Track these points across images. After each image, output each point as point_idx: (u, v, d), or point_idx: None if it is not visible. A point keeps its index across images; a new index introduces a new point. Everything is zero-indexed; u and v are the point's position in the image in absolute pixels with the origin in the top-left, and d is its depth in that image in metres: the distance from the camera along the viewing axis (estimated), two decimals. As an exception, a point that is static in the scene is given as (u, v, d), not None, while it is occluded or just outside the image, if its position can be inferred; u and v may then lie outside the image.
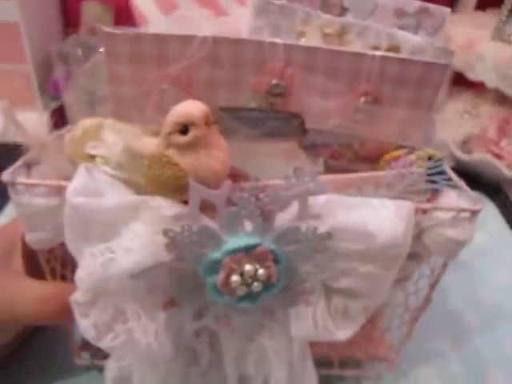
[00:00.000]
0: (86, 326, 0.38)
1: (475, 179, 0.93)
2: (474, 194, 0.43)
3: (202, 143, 0.34)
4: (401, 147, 0.46)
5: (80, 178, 0.35)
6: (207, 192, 0.34)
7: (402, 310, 0.50)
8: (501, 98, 0.93)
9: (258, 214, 0.36)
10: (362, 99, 0.44)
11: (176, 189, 0.35)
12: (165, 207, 0.35)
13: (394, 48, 0.49)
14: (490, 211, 0.86)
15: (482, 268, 0.72)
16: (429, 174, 0.40)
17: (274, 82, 0.42)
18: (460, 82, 0.99)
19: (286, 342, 0.44)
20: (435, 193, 0.47)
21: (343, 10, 0.51)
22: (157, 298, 0.39)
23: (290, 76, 0.42)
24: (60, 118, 0.51)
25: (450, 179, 0.45)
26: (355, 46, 0.48)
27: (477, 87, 0.97)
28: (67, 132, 0.49)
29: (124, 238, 0.34)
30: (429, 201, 0.45)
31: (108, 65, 0.41)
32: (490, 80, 0.87)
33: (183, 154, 0.34)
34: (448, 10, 0.52)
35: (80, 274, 0.35)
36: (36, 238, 0.41)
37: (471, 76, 0.92)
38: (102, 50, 0.39)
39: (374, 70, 0.43)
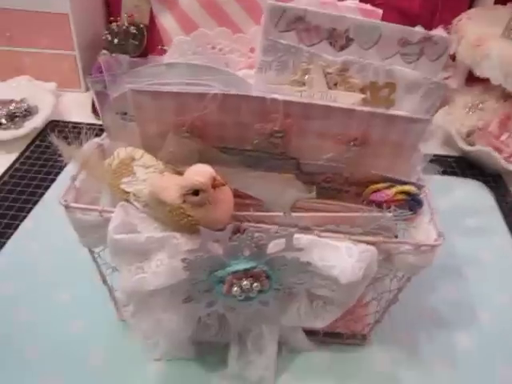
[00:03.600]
0: (126, 314, 0.54)
1: (479, 168, 1.02)
2: (439, 228, 0.53)
3: (210, 201, 0.45)
4: (387, 178, 0.55)
5: (118, 216, 0.47)
6: (214, 234, 0.46)
7: (378, 299, 0.62)
8: (505, 95, 0.98)
9: (253, 246, 0.48)
10: (352, 143, 0.52)
11: (191, 230, 0.47)
12: (183, 243, 0.47)
13: (391, 85, 0.54)
14: (486, 199, 0.95)
15: (470, 248, 0.82)
16: (399, 215, 0.50)
17: (275, 128, 0.51)
18: (471, 77, 1.05)
19: (278, 324, 0.59)
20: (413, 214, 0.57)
21: (348, 41, 0.56)
22: (178, 296, 0.53)
23: (288, 124, 0.49)
24: (103, 99, 0.61)
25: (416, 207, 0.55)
26: (355, 81, 0.54)
27: (485, 83, 1.01)
28: (102, 141, 0.61)
29: (152, 263, 0.48)
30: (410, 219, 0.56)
31: (135, 112, 0.50)
32: (495, 77, 0.91)
33: (196, 209, 0.45)
34: (451, 38, 0.56)
35: (120, 282, 0.50)
36: (85, 242, 0.55)
37: (478, 73, 0.96)
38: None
39: (362, 122, 0.49)
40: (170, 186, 0.46)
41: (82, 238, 0.54)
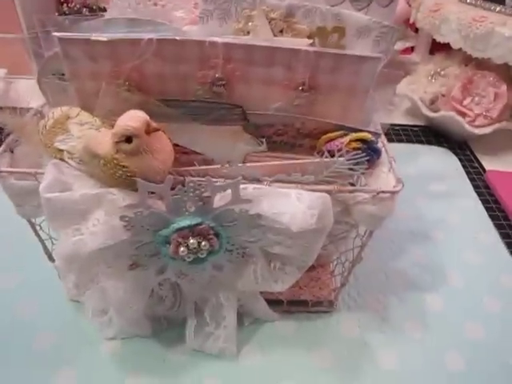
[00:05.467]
0: (68, 285, 0.50)
1: (444, 136, 1.02)
2: (398, 175, 0.50)
3: (145, 148, 0.42)
4: (340, 127, 0.53)
5: (50, 175, 0.43)
6: (152, 186, 0.42)
7: (342, 261, 0.60)
8: (466, 59, 0.97)
9: (197, 199, 0.45)
10: (300, 88, 0.50)
11: (128, 184, 0.43)
12: (120, 199, 0.43)
13: (340, 29, 0.52)
14: (452, 164, 0.94)
15: (438, 212, 0.81)
16: (353, 159, 0.48)
17: (217, 75, 0.48)
18: (434, 48, 1.05)
19: (235, 291, 0.56)
20: (371, 164, 0.55)
21: None
22: (123, 261, 0.49)
23: (230, 70, 0.46)
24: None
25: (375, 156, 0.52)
26: (301, 27, 0.52)
27: (447, 51, 1.00)
28: (42, 109, 0.58)
29: (89, 223, 0.44)
30: (367, 169, 0.54)
31: (66, 65, 0.46)
32: (455, 41, 0.90)
33: (130, 158, 0.42)
34: None
35: (56, 248, 0.46)
36: (23, 212, 0.51)
37: (438, 38, 0.95)
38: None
39: (309, 64, 0.46)
40: (105, 140, 0.43)
41: (18, 207, 0.50)
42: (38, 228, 0.54)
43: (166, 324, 0.59)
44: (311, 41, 0.50)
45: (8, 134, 0.51)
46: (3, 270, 0.65)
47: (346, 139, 0.50)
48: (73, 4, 1.05)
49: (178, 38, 0.45)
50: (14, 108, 0.53)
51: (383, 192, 0.47)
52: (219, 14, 0.50)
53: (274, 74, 0.47)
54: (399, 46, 1.13)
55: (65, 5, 1.05)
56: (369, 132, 0.51)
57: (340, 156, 0.48)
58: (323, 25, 0.51)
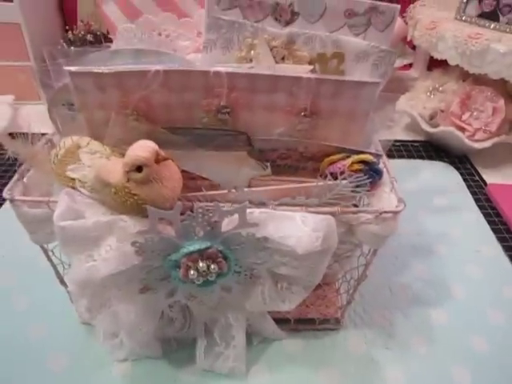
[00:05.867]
0: (80, 309, 0.51)
1: (444, 151, 1.03)
2: (399, 195, 0.51)
3: (155, 177, 0.43)
4: (342, 149, 0.55)
5: (63, 203, 0.45)
6: (162, 213, 0.44)
7: (347, 279, 0.60)
8: (464, 75, 0.99)
9: (206, 224, 0.46)
10: (302, 113, 0.51)
11: (139, 211, 0.45)
12: (131, 225, 0.45)
13: (339, 55, 0.54)
14: (453, 178, 0.96)
15: (440, 226, 0.82)
16: (356, 181, 0.49)
17: (222, 103, 0.49)
18: (432, 65, 1.08)
19: (243, 311, 0.57)
20: (373, 185, 0.56)
21: (294, 15, 0.55)
22: (134, 285, 0.51)
23: (234, 98, 0.48)
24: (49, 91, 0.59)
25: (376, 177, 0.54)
26: (302, 54, 0.54)
27: (445, 67, 1.03)
28: (53, 137, 0.60)
29: (102, 249, 0.46)
30: (369, 191, 0.55)
31: (76, 97, 0.48)
32: (452, 58, 0.92)
33: (141, 187, 0.43)
34: (398, 6, 0.56)
35: (69, 274, 0.48)
36: (36, 239, 0.53)
37: (436, 55, 0.97)
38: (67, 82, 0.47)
39: (310, 90, 0.48)
40: (116, 169, 0.45)
41: (31, 234, 0.51)
42: (50, 253, 0.55)
43: (176, 345, 0.60)
44: (312, 67, 0.52)
45: (21, 163, 0.53)
46: (16, 293, 0.67)
47: (348, 161, 0.51)
48: (77, 31, 1.08)
49: (183, 68, 0.47)
50: (25, 135, 0.54)
51: (386, 212, 0.49)
52: (222, 43, 0.52)
53: (277, 100, 0.49)
54: (397, 63, 1.15)
55: (70, 32, 1.08)
56: (370, 153, 0.52)
57: (343, 178, 0.49)
58: (323, 51, 0.53)
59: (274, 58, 0.52)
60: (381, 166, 0.54)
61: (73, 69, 0.46)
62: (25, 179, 0.52)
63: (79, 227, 0.44)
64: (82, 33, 1.07)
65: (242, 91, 0.48)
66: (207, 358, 0.57)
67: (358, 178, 0.48)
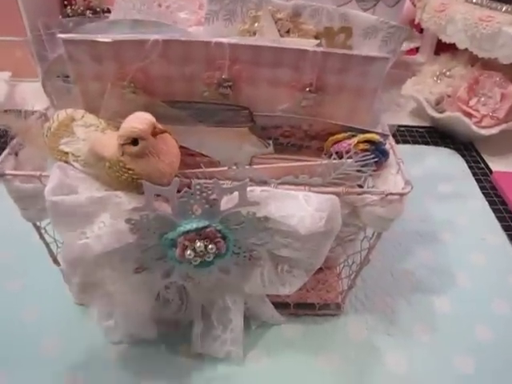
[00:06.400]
0: (73, 289, 0.50)
1: (450, 137, 1.01)
2: (406, 176, 0.50)
3: (151, 151, 0.41)
4: (348, 128, 0.52)
5: (55, 177, 0.43)
6: (158, 189, 0.41)
7: (349, 264, 0.59)
8: (472, 59, 0.96)
9: (204, 202, 0.44)
10: (307, 89, 0.49)
11: (134, 187, 0.43)
12: (126, 201, 0.43)
13: (347, 30, 0.51)
14: (458, 165, 0.93)
15: (445, 213, 0.80)
16: (361, 160, 0.47)
17: (224, 76, 0.47)
18: (439, 49, 1.04)
19: (242, 294, 0.56)
20: (379, 166, 0.54)
21: None
22: (129, 265, 0.49)
23: (237, 71, 0.45)
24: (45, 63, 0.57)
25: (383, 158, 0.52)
26: (308, 28, 0.51)
27: (453, 51, 1.00)
28: (46, 111, 0.57)
29: (95, 226, 0.44)
30: (374, 171, 0.53)
31: (71, 67, 0.46)
32: (461, 41, 0.89)
33: (136, 161, 0.41)
34: None
35: (62, 252, 0.46)
36: (28, 215, 0.51)
37: (444, 38, 0.94)
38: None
39: (316, 64, 0.45)
40: (111, 143, 0.43)
41: (23, 210, 0.49)
42: (42, 231, 0.53)
43: (173, 327, 0.58)
44: (318, 41, 0.50)
45: (13, 137, 0.51)
46: (8, 273, 0.65)
47: (354, 140, 0.49)
48: (76, 6, 1.05)
49: (183, 38, 0.44)
50: (18, 111, 0.52)
51: (392, 194, 0.47)
52: (225, 14, 0.50)
53: (281, 75, 0.47)
54: (404, 46, 1.12)
55: (68, 7, 1.05)
56: (377, 133, 0.50)
57: (348, 158, 0.47)
58: (330, 25, 0.51)
59: (279, 31, 0.50)
60: (387, 146, 0.52)
61: (66, 36, 0.44)
62: (17, 154, 0.50)
63: (72, 202, 0.42)
64: (82, 8, 1.04)
65: (245, 64, 0.46)
66: (204, 342, 0.56)
67: (364, 156, 0.46)
